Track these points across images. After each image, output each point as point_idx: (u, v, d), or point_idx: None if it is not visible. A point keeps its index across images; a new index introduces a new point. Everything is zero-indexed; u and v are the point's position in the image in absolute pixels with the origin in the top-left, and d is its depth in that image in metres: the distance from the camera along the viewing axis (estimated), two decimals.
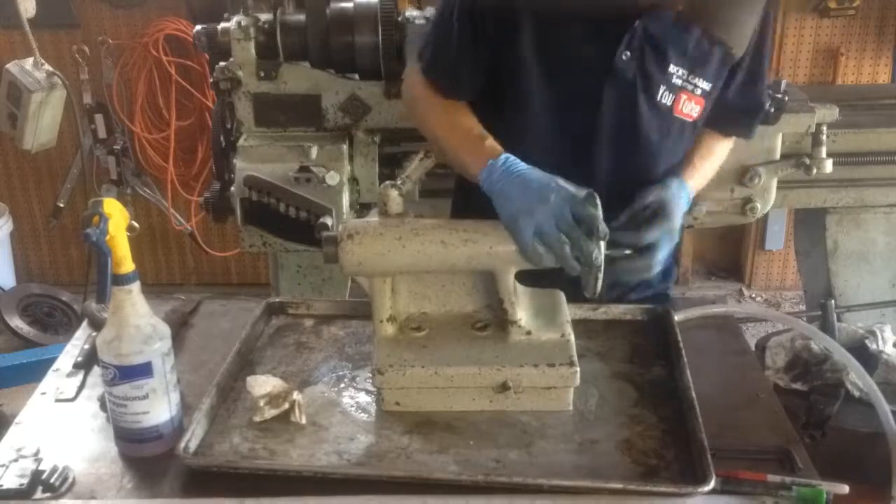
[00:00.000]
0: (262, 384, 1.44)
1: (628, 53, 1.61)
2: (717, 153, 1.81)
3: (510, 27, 1.64)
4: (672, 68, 1.63)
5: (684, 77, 1.64)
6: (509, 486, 1.25)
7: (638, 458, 1.33)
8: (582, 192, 1.43)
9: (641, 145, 1.69)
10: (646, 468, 1.31)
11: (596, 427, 1.41)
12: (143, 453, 1.35)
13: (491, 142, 1.61)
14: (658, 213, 1.57)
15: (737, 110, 1.76)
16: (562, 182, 1.46)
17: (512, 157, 1.55)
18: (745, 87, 1.73)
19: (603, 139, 1.67)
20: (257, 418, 1.41)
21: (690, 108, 1.67)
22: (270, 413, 1.42)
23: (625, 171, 1.68)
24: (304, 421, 1.41)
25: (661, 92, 1.64)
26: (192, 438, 1.34)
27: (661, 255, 1.54)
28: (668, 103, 1.66)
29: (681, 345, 1.56)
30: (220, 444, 1.37)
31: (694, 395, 1.41)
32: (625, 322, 1.72)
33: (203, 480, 1.29)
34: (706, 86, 1.67)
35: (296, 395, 1.43)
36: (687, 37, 1.62)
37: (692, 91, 1.66)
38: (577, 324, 1.60)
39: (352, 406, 1.47)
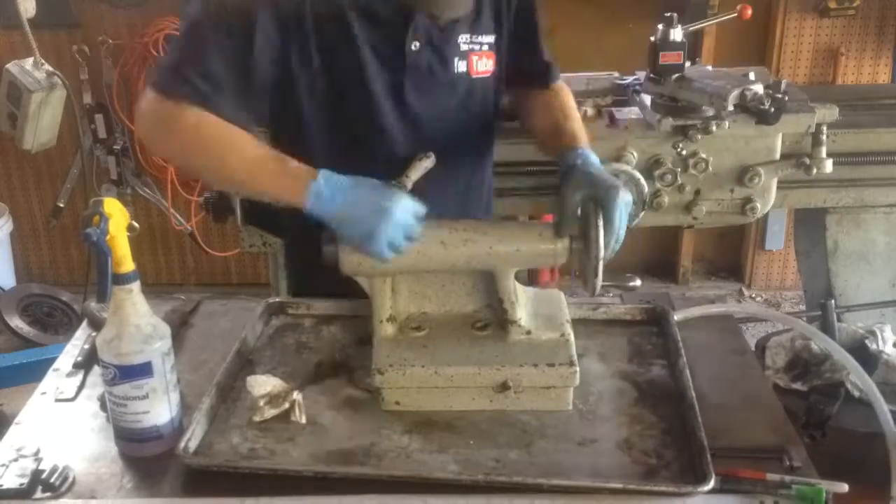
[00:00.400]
0: (262, 384, 1.44)
1: (417, 44, 1.62)
2: (568, 103, 1.82)
3: (301, 36, 1.54)
4: (460, 38, 1.66)
5: (468, 41, 1.67)
6: (509, 485, 1.25)
7: (638, 457, 1.33)
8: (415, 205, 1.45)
9: (457, 120, 1.71)
10: (645, 467, 1.31)
11: (596, 426, 1.41)
12: (143, 453, 1.35)
13: (294, 162, 1.47)
14: (600, 195, 1.45)
15: (532, 56, 1.81)
16: (392, 193, 1.43)
17: (328, 173, 1.44)
18: (527, 28, 1.77)
19: (420, 126, 1.67)
20: (257, 418, 1.41)
21: (484, 65, 1.71)
22: (270, 413, 1.42)
23: (454, 148, 1.70)
24: (304, 420, 1.41)
25: (455, 63, 1.67)
26: (192, 438, 1.35)
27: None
28: (464, 70, 1.68)
29: (680, 344, 1.56)
30: (220, 444, 1.37)
31: (693, 394, 1.41)
32: (624, 322, 1.72)
33: (203, 480, 1.29)
34: (489, 39, 1.70)
35: (296, 395, 1.43)
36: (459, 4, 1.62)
37: (480, 49, 1.69)
38: (577, 323, 1.60)
39: (351, 406, 1.47)
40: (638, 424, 1.41)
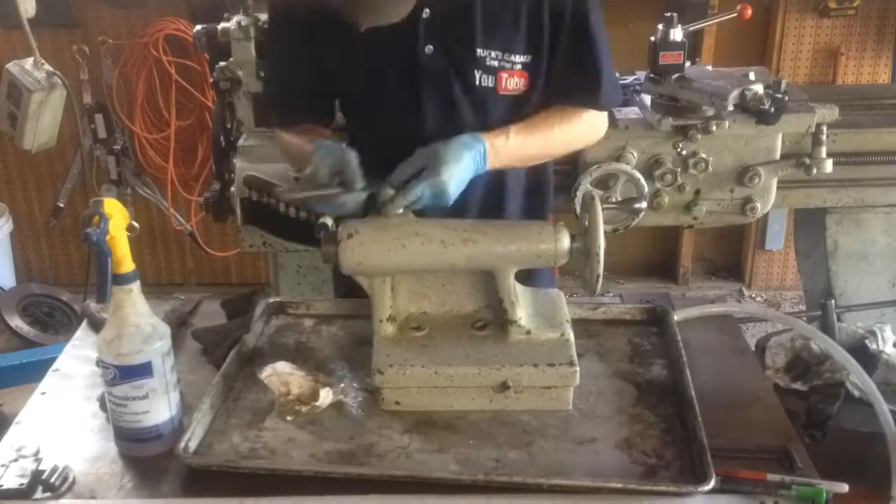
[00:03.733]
0: (285, 379, 1.45)
1: (430, 47, 1.65)
2: (546, 124, 1.73)
3: (317, 44, 1.72)
4: (481, 52, 1.66)
5: (499, 57, 1.67)
6: (509, 485, 1.25)
7: (638, 457, 1.33)
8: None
9: (472, 125, 1.68)
10: (645, 467, 1.31)
11: (596, 426, 1.41)
12: (142, 453, 1.36)
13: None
14: (426, 168, 1.52)
15: (570, 77, 1.74)
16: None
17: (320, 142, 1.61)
18: (572, 51, 1.72)
19: (433, 134, 1.65)
20: (290, 417, 1.42)
21: (515, 84, 1.70)
22: (303, 409, 1.43)
23: None
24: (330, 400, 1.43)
25: (478, 77, 1.68)
26: (192, 438, 1.35)
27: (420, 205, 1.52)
28: (490, 85, 1.69)
29: (680, 344, 1.56)
30: (220, 444, 1.37)
31: (693, 393, 1.41)
32: (624, 322, 1.72)
33: (203, 480, 1.29)
34: (524, 59, 1.69)
35: (323, 395, 1.45)
36: (487, 16, 1.65)
37: (511, 68, 1.69)
38: (577, 323, 1.60)
39: (352, 406, 1.47)
40: (638, 424, 1.41)
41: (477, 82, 1.68)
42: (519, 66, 1.69)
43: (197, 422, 1.37)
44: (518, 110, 1.74)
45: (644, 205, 1.47)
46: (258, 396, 1.49)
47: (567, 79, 1.74)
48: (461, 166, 1.54)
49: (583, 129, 1.80)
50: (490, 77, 1.68)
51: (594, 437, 1.38)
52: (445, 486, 1.26)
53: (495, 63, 1.68)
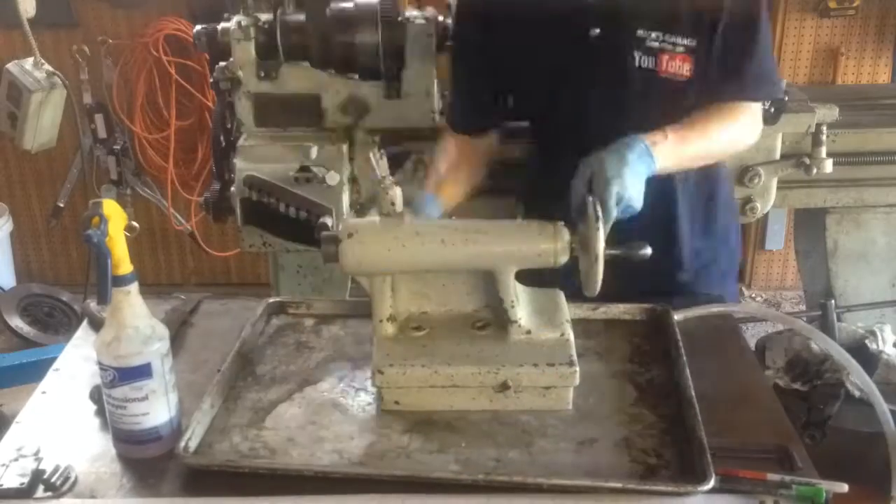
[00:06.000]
0: None
1: (597, 30, 1.70)
2: (703, 120, 1.71)
3: (493, 42, 1.80)
4: (641, 33, 1.68)
5: (660, 38, 1.68)
6: (509, 485, 1.25)
7: (637, 456, 1.33)
8: None
9: (635, 110, 1.72)
10: (645, 467, 1.31)
11: (596, 426, 1.41)
12: (142, 455, 1.35)
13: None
14: (596, 183, 1.51)
15: (727, 69, 1.73)
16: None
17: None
18: (734, 41, 1.71)
19: (599, 112, 1.72)
20: None
21: (678, 67, 1.70)
22: None
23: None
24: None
25: (638, 58, 1.69)
26: (192, 437, 1.35)
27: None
28: (651, 66, 1.70)
29: (680, 344, 1.56)
30: (220, 444, 1.37)
31: (693, 393, 1.41)
32: (624, 322, 1.72)
33: (203, 480, 1.29)
34: (689, 42, 1.69)
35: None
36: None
37: (673, 50, 1.69)
38: (577, 323, 1.60)
39: (352, 405, 1.47)
40: (638, 424, 1.41)
41: (637, 63, 1.69)
42: (682, 49, 1.69)
43: (197, 421, 1.37)
44: (680, 99, 1.72)
45: (649, 251, 1.46)
46: (258, 396, 1.50)
47: (721, 67, 1.72)
48: (632, 170, 1.51)
49: (740, 126, 1.78)
50: (650, 59, 1.69)
51: (594, 437, 1.38)
52: (445, 485, 1.26)
53: (656, 44, 1.68)
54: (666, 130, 1.63)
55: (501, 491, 1.25)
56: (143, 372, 1.31)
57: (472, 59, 1.89)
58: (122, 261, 1.30)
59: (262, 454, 1.35)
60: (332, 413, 1.45)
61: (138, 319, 1.32)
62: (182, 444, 1.32)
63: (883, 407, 1.61)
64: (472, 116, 1.94)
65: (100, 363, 1.32)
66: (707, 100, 1.74)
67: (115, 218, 1.29)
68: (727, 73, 1.73)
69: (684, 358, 1.52)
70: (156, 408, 1.34)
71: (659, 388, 1.51)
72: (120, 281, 1.30)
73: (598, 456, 1.34)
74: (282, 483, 1.27)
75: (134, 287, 1.32)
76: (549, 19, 1.72)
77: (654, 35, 1.68)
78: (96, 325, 1.69)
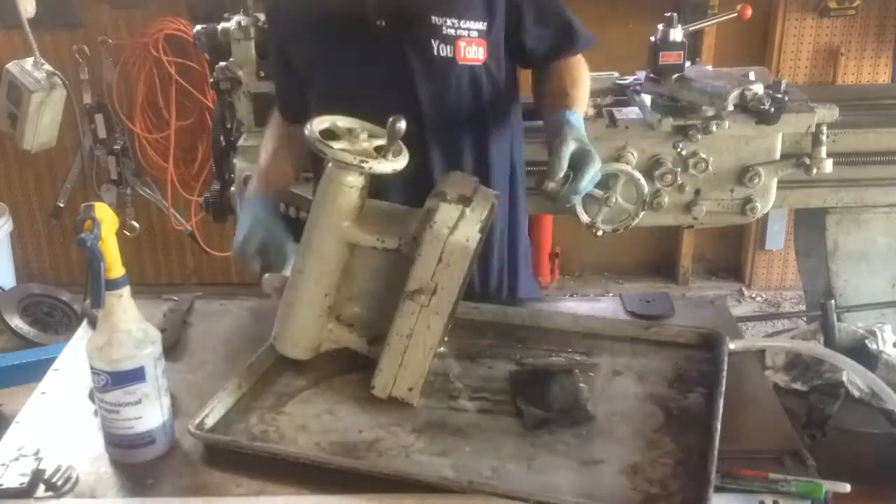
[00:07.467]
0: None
1: (382, 22, 1.67)
2: (578, 74, 1.80)
3: (289, 40, 1.82)
4: (435, 20, 1.66)
5: (455, 25, 1.67)
6: (492, 495, 1.22)
7: (639, 485, 1.26)
8: None
9: (439, 102, 1.71)
10: (644, 496, 1.24)
11: (608, 448, 1.35)
12: (135, 459, 1.34)
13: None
14: (580, 162, 1.59)
15: (548, 36, 1.78)
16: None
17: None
18: (536, 7, 1.75)
19: (394, 112, 1.60)
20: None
21: (475, 52, 1.70)
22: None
23: (445, 129, 1.73)
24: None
25: (435, 46, 1.68)
26: (210, 415, 1.37)
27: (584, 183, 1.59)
28: (449, 55, 1.69)
29: (723, 374, 1.47)
30: (238, 424, 1.39)
31: (718, 425, 1.32)
32: (675, 344, 1.63)
33: (204, 480, 1.29)
34: (480, 26, 1.69)
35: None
36: None
37: (468, 36, 1.68)
38: (624, 341, 1.59)
39: (370, 400, 1.46)
40: (654, 451, 1.33)
41: (435, 52, 1.68)
42: (476, 34, 1.69)
43: (219, 400, 1.38)
44: (477, 83, 1.74)
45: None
46: (288, 381, 1.50)
47: (543, 35, 1.77)
48: (585, 138, 1.62)
49: (586, 72, 1.84)
50: (448, 46, 1.68)
51: (601, 459, 1.32)
52: (430, 488, 1.24)
53: (452, 31, 1.67)
54: (568, 93, 1.71)
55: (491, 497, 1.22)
56: (136, 376, 1.30)
57: (276, 56, 1.89)
58: (114, 264, 1.28)
59: (271, 438, 1.36)
60: (351, 405, 1.45)
61: (130, 323, 1.31)
62: (197, 419, 1.33)
63: (893, 397, 1.54)
64: (290, 106, 1.92)
65: (92, 367, 1.31)
66: (549, 63, 1.80)
67: (107, 221, 1.27)
68: (551, 40, 1.78)
69: (722, 388, 1.43)
70: (149, 412, 1.33)
71: (691, 417, 1.42)
72: (112, 285, 1.29)
73: (597, 479, 1.28)
74: (279, 468, 1.28)
75: (126, 291, 1.31)
76: (333, 15, 1.70)
77: (449, 22, 1.67)
78: (96, 324, 1.69)
